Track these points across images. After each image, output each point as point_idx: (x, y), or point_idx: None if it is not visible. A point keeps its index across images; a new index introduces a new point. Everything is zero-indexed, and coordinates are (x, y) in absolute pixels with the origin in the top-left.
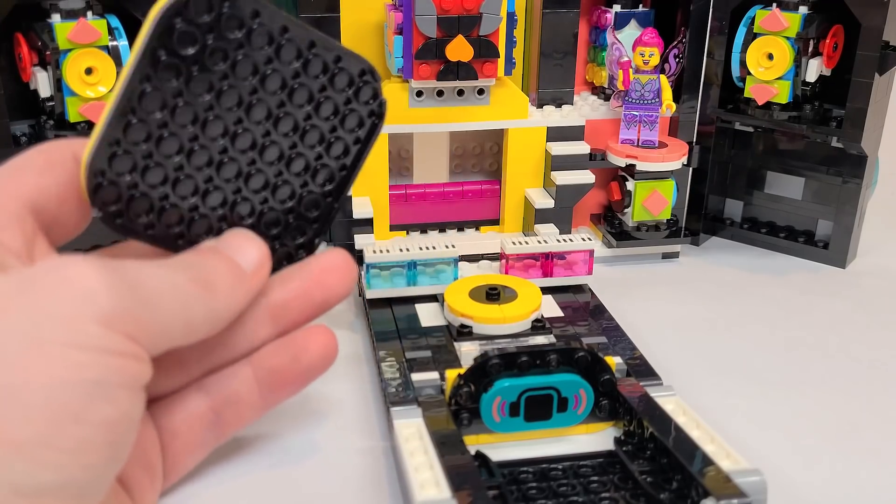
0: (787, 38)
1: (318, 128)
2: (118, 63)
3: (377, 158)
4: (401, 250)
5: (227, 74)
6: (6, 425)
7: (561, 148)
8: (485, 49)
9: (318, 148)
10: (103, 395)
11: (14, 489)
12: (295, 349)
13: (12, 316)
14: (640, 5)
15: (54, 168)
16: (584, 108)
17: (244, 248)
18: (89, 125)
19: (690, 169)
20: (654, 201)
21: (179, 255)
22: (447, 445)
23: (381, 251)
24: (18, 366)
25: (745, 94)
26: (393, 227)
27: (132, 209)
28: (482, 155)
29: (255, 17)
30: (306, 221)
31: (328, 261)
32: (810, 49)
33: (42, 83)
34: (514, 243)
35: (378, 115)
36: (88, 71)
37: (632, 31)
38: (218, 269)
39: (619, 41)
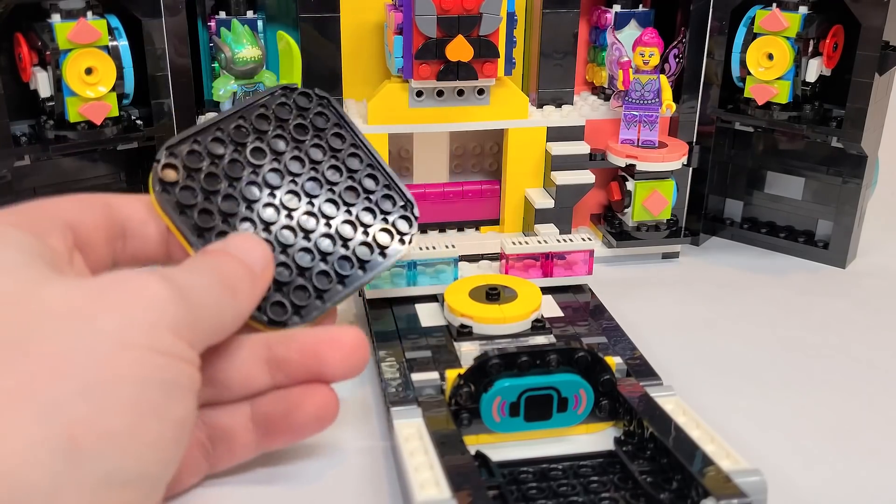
0: (787, 38)
1: (353, 222)
2: (118, 63)
3: None
4: None
5: (300, 147)
6: (102, 417)
7: (561, 148)
8: (485, 49)
9: (351, 239)
10: (178, 395)
11: (105, 479)
12: (289, 404)
13: (100, 319)
14: (640, 5)
15: (91, 203)
16: (584, 108)
17: (251, 250)
18: (89, 125)
19: (690, 169)
20: (654, 201)
21: (199, 258)
22: (447, 445)
23: None
24: (110, 364)
25: (745, 94)
26: None
27: (181, 194)
28: (482, 155)
29: (336, 125)
30: (309, 289)
31: (337, 334)
32: (810, 49)
33: (42, 83)
34: (514, 243)
35: (406, 243)
36: (88, 71)
37: (632, 31)
38: (237, 272)
39: (619, 41)
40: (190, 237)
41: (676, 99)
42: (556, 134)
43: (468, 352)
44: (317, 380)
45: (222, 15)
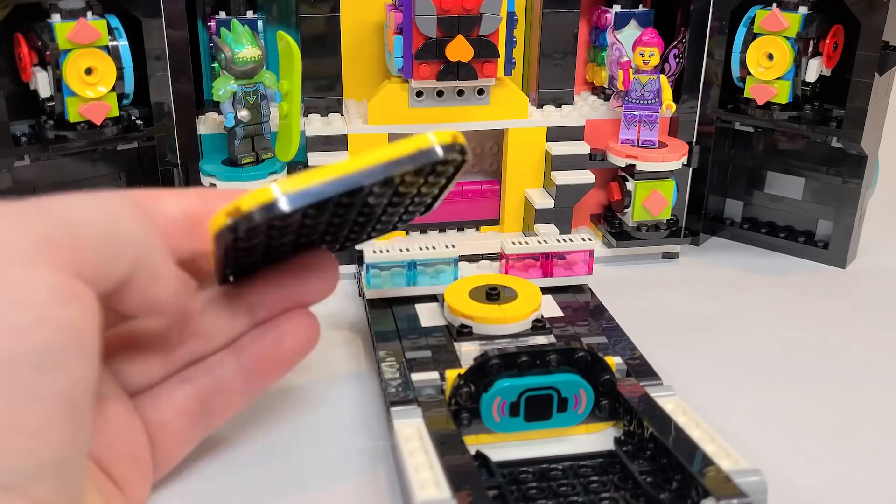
0: (787, 38)
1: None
2: (118, 63)
3: None
4: (401, 250)
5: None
6: None
7: (561, 148)
8: (485, 49)
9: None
10: (53, 364)
11: None
12: (276, 333)
13: None
14: (640, 5)
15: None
16: (584, 108)
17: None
18: (89, 125)
19: (690, 169)
20: (654, 201)
21: None
22: (447, 445)
23: (380, 251)
24: None
25: (745, 94)
26: None
27: (247, 242)
28: (482, 155)
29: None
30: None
31: (312, 259)
32: (810, 49)
33: (42, 83)
34: (514, 243)
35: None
36: (88, 71)
37: (632, 31)
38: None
39: (619, 41)
40: (225, 269)
41: (676, 99)
42: (556, 134)
43: (468, 352)
44: (297, 306)
45: (222, 15)
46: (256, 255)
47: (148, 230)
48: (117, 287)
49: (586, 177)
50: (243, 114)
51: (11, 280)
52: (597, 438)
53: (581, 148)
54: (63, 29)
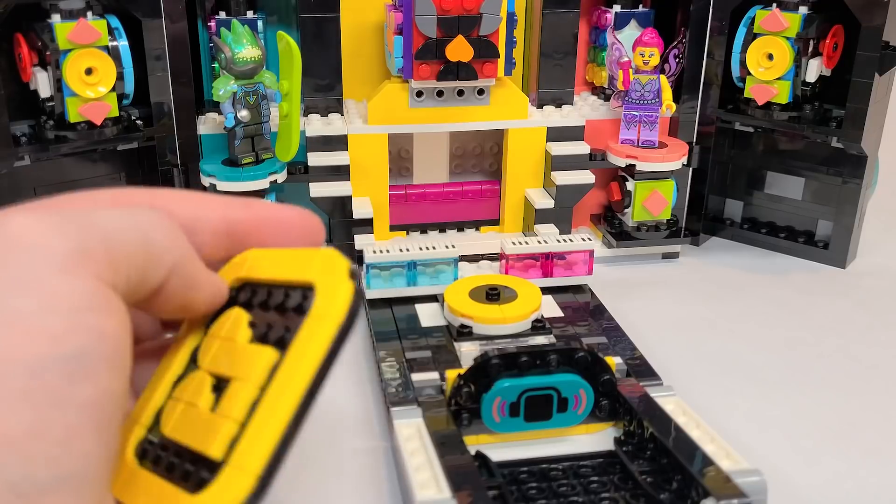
0: (787, 38)
1: None
2: (118, 63)
3: (377, 158)
4: (401, 250)
5: None
6: None
7: (561, 148)
8: (485, 49)
9: None
10: (83, 372)
11: (12, 489)
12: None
13: None
14: (640, 5)
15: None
16: (584, 108)
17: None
18: (89, 125)
19: (690, 169)
20: (654, 201)
21: None
22: (447, 445)
23: (381, 251)
24: None
25: (745, 95)
26: (393, 228)
27: None
28: (482, 155)
29: None
30: None
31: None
32: (810, 49)
33: (42, 83)
34: (514, 243)
35: None
36: (88, 71)
37: (632, 32)
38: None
39: (619, 41)
40: None
41: (676, 99)
42: (556, 134)
43: (468, 352)
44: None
45: (222, 15)
46: None
47: (181, 240)
48: (151, 295)
49: (586, 177)
50: (243, 114)
51: (49, 285)
52: (597, 438)
53: (581, 148)
54: (63, 29)
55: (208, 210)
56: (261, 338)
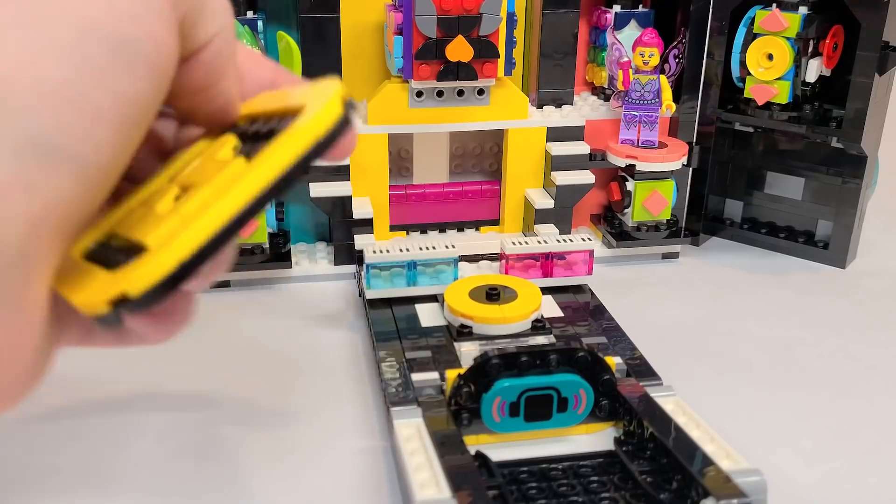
0: (787, 38)
1: None
2: None
3: (377, 158)
4: (401, 250)
5: None
6: (37, 61)
7: (561, 148)
8: (485, 49)
9: None
10: (126, 64)
11: (28, 142)
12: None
13: None
14: (640, 5)
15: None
16: (584, 109)
17: None
18: None
19: (690, 169)
20: (654, 201)
21: None
22: (447, 445)
23: (381, 251)
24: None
25: (745, 95)
26: (393, 228)
27: None
28: (482, 155)
29: None
30: None
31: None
32: (810, 49)
33: None
34: (514, 243)
35: None
36: None
37: (632, 32)
38: None
39: (619, 41)
40: None
41: (676, 99)
42: (556, 134)
43: (468, 352)
44: None
45: None
46: None
47: (231, 19)
48: (191, 54)
49: (586, 177)
50: None
51: None
52: (597, 438)
53: (581, 148)
54: None
55: (264, 69)
56: (238, 154)
